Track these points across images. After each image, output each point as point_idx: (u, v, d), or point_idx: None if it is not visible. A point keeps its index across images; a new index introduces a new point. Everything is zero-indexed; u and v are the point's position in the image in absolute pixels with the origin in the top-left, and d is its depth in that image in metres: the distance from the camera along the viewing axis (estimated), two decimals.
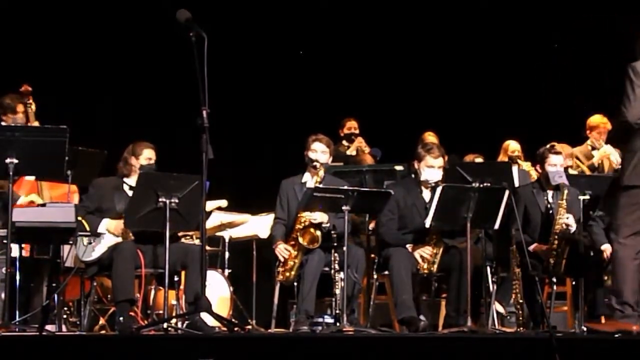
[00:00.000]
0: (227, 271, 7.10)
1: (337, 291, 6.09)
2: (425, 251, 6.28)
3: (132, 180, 6.10)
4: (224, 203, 6.85)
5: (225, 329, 5.59)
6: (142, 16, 8.59)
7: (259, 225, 7.17)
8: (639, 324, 5.42)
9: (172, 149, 7.29)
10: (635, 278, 5.45)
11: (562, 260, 6.38)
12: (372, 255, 6.58)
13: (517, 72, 9.43)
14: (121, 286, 5.79)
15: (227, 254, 7.20)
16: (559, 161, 6.61)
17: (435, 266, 6.27)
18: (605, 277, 6.45)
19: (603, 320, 5.93)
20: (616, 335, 5.26)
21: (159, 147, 6.30)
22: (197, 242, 6.54)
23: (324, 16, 9.37)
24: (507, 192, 6.08)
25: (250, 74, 9.06)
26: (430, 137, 7.96)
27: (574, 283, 6.69)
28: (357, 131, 8.55)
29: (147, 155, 6.17)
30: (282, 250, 6.34)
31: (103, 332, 6.32)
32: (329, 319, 6.07)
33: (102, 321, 6.42)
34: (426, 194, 6.50)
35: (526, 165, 7.57)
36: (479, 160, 7.67)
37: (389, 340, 5.22)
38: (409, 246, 6.34)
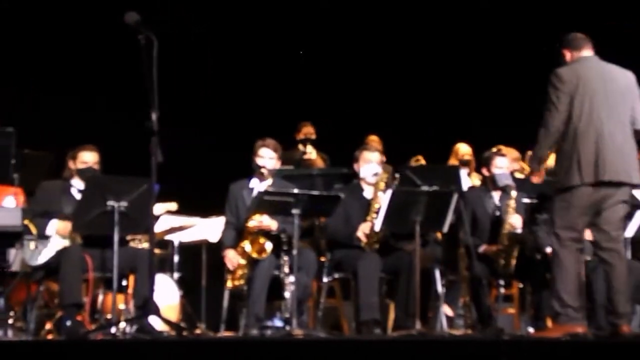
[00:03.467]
0: (176, 275, 7.07)
1: (287, 294, 6.11)
2: (366, 227, 6.34)
3: (80, 183, 6.05)
4: (173, 206, 6.81)
5: (174, 333, 5.56)
6: (91, 17, 8.51)
7: (208, 228, 7.14)
8: (583, 325, 5.51)
9: (122, 152, 7.23)
10: (576, 280, 5.53)
11: (511, 260, 6.45)
12: (322, 258, 6.60)
13: (469, 75, 9.51)
14: (68, 290, 5.73)
15: (176, 258, 7.16)
16: (505, 164, 6.71)
17: None
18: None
19: (549, 322, 6.00)
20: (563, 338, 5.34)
21: (109, 150, 6.25)
22: (145, 245, 6.50)
23: (277, 20, 9.37)
24: (455, 196, 6.15)
25: (200, 77, 9.02)
26: (373, 141, 8.03)
27: (521, 285, 6.78)
28: (313, 136, 8.56)
29: (83, 159, 6.11)
30: (231, 259, 6.35)
31: (50, 337, 6.25)
32: (278, 323, 6.08)
33: (49, 326, 6.34)
34: (368, 192, 6.59)
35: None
36: (420, 163, 7.70)
37: (338, 343, 5.24)
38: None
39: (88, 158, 6.11)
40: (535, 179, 5.85)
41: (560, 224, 5.54)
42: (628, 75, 5.70)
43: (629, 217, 6.34)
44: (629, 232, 6.40)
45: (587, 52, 5.71)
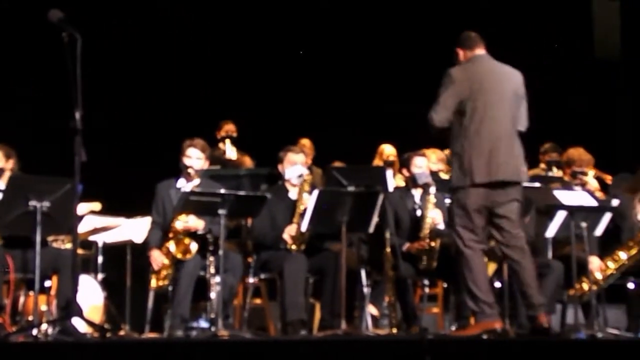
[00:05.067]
0: (100, 276, 6.98)
1: (213, 295, 6.08)
2: (292, 229, 6.37)
3: (1, 183, 5.94)
4: (97, 206, 6.73)
5: (97, 334, 5.49)
6: (13, 14, 8.36)
7: (133, 229, 7.07)
8: (499, 320, 5.59)
9: (45, 152, 7.11)
10: (485, 278, 5.61)
11: (434, 256, 6.53)
12: (249, 259, 6.59)
13: (393, 77, 9.59)
14: None
15: (100, 259, 7.07)
16: (424, 163, 6.81)
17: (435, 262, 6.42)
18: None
19: (472, 321, 6.08)
20: (484, 336, 5.42)
21: (31, 150, 6.14)
22: (69, 246, 6.41)
23: (203, 18, 9.33)
24: (381, 196, 6.19)
25: (125, 75, 8.93)
26: (304, 145, 8.04)
27: (445, 285, 6.86)
28: (234, 134, 8.53)
29: None
30: (156, 259, 6.30)
31: None
32: (204, 323, 6.05)
33: None
34: (292, 193, 6.61)
35: None
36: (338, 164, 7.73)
37: (263, 344, 5.24)
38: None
39: None
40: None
41: (460, 223, 5.62)
42: (517, 75, 5.81)
43: (550, 217, 6.47)
44: (550, 232, 6.53)
45: (480, 51, 5.78)
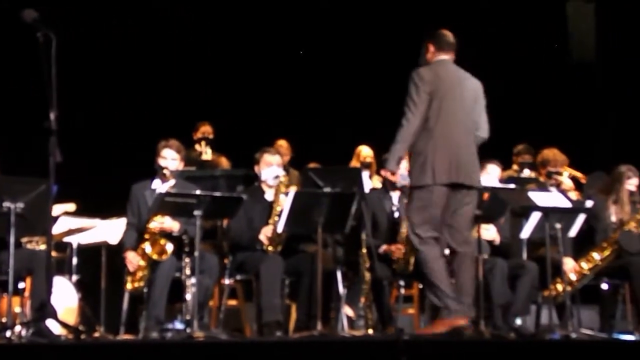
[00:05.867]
0: (74, 277, 6.94)
1: (188, 297, 6.06)
2: (268, 230, 6.35)
3: None
4: (71, 207, 6.69)
5: (72, 336, 5.46)
6: None
7: (108, 230, 7.04)
8: (465, 317, 5.61)
9: (19, 152, 7.06)
10: (446, 274, 5.63)
11: (410, 260, 6.55)
12: (225, 260, 6.58)
13: (370, 79, 9.60)
14: None
15: (75, 260, 7.03)
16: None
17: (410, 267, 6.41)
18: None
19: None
20: (458, 336, 5.44)
21: (5, 150, 6.10)
22: (43, 247, 6.37)
23: (180, 20, 9.30)
24: (357, 197, 6.20)
25: (100, 76, 8.89)
26: (281, 146, 8.04)
27: (420, 286, 6.88)
28: (211, 136, 8.52)
29: None
30: (132, 260, 6.28)
31: None
32: (179, 325, 6.03)
33: None
34: (269, 194, 6.61)
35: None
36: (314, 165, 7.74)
37: (239, 345, 5.23)
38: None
39: None
40: (393, 178, 5.92)
41: (419, 222, 5.64)
42: (477, 83, 5.88)
43: (526, 218, 6.51)
44: (525, 233, 6.56)
45: (448, 56, 5.82)
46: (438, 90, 5.65)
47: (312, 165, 7.62)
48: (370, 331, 6.49)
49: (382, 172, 5.89)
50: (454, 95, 5.69)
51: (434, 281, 5.60)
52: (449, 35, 5.87)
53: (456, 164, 5.61)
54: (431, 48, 5.84)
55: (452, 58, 5.85)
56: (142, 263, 6.27)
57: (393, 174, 5.85)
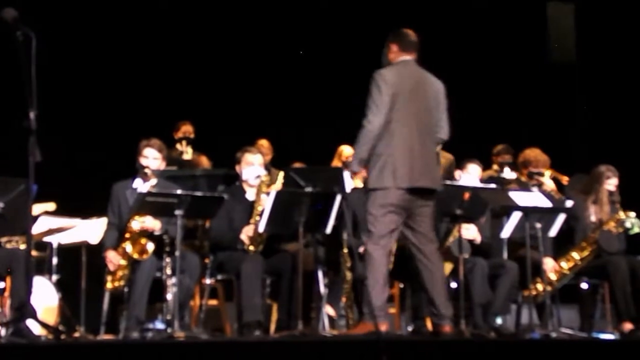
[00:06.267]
0: (54, 277, 6.91)
1: (169, 297, 6.05)
2: (249, 230, 6.36)
3: None
4: (51, 207, 6.67)
5: (51, 336, 5.44)
6: None
7: (88, 230, 7.01)
8: (387, 323, 5.63)
9: None
10: (384, 279, 5.62)
11: (390, 259, 6.57)
12: (206, 260, 6.57)
13: (353, 79, 9.59)
14: None
15: (55, 260, 7.00)
16: None
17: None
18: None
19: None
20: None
21: None
22: (22, 247, 6.34)
23: (159, 18, 9.27)
24: (338, 197, 6.21)
25: (80, 75, 8.85)
26: (262, 145, 8.03)
27: (401, 286, 6.90)
28: (192, 135, 8.50)
29: None
30: (112, 260, 6.26)
31: None
32: (160, 325, 6.02)
33: None
34: (250, 194, 6.61)
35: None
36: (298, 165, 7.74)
37: (220, 345, 5.22)
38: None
39: None
40: (358, 176, 5.90)
41: (374, 223, 5.63)
42: (439, 85, 5.87)
43: (507, 217, 6.54)
44: (505, 233, 6.59)
45: (411, 56, 5.82)
46: (400, 92, 5.63)
47: (296, 164, 7.62)
48: (351, 331, 6.50)
49: (355, 175, 5.87)
50: (415, 96, 5.68)
51: (371, 284, 5.57)
52: (411, 35, 5.86)
53: (417, 168, 5.60)
54: (394, 48, 5.83)
55: (414, 58, 5.84)
56: (123, 262, 6.25)
57: (356, 175, 5.84)
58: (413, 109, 5.66)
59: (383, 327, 5.51)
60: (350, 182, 7.25)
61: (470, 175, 6.87)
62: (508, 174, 7.82)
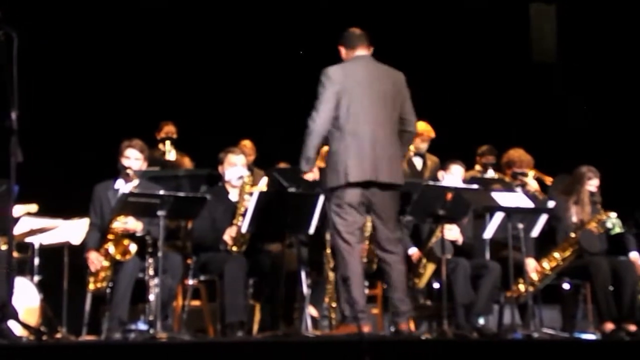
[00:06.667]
0: (36, 278, 6.88)
1: (152, 297, 6.04)
2: (232, 231, 6.35)
3: None
4: (33, 208, 6.63)
5: (33, 337, 5.41)
6: None
7: (70, 231, 6.98)
8: (369, 324, 5.64)
9: None
10: (360, 276, 5.63)
11: (373, 258, 6.58)
12: (188, 261, 6.56)
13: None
14: None
15: (36, 260, 6.97)
16: None
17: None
18: (417, 280, 6.68)
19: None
20: (422, 337, 5.47)
21: None
22: (4, 248, 6.31)
23: (140, 19, 9.25)
24: (321, 197, 6.21)
25: (63, 75, 8.82)
26: (244, 146, 8.03)
27: (384, 286, 6.90)
28: (174, 136, 8.48)
29: None
30: (94, 260, 6.24)
31: None
32: (142, 326, 6.00)
33: None
34: (233, 195, 6.60)
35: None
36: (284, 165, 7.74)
37: (202, 346, 5.21)
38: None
39: None
40: (310, 178, 5.87)
41: (338, 222, 5.64)
42: (398, 76, 5.82)
43: (489, 218, 6.56)
44: (487, 233, 6.61)
45: (362, 51, 5.78)
46: (347, 88, 5.60)
47: (281, 165, 7.61)
48: (334, 331, 6.50)
49: (304, 175, 5.84)
50: (364, 91, 5.63)
51: (348, 285, 5.57)
52: (354, 31, 5.82)
53: (371, 162, 5.56)
54: (342, 50, 5.84)
55: (369, 51, 5.77)
56: (105, 263, 6.23)
57: (304, 174, 5.81)
58: (363, 104, 5.60)
59: (366, 329, 5.51)
60: None
61: (453, 176, 6.89)
62: (491, 174, 7.85)
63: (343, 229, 5.60)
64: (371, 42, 5.81)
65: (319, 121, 5.59)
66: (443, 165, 7.08)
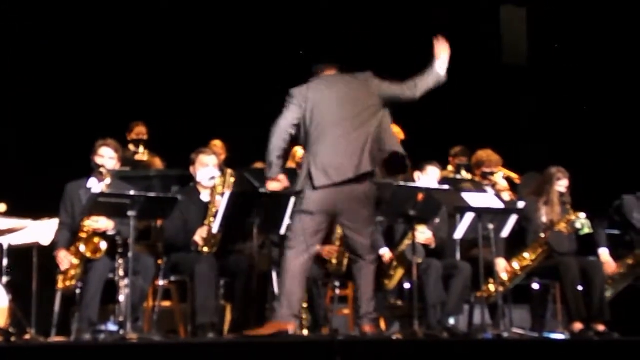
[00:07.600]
0: (5, 279, 6.82)
1: (122, 298, 6.00)
2: (203, 231, 6.33)
3: None
4: (2, 208, 6.58)
5: (1, 338, 5.38)
6: None
7: (40, 231, 6.93)
8: (294, 323, 5.65)
9: None
10: (300, 283, 5.64)
11: (343, 260, 6.59)
12: (159, 261, 6.53)
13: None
14: None
15: (5, 261, 6.91)
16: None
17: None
18: (387, 281, 6.69)
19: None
20: (394, 337, 5.47)
21: None
22: None
23: (112, 18, 9.21)
24: (293, 198, 6.20)
25: (33, 74, 8.76)
26: (215, 145, 8.01)
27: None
28: (145, 137, 8.45)
29: None
30: (63, 259, 6.19)
31: None
32: (112, 327, 5.97)
33: None
34: (204, 195, 6.59)
35: None
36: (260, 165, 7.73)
37: (173, 347, 5.19)
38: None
39: None
40: (270, 185, 5.88)
41: (296, 226, 5.67)
42: (360, 77, 5.89)
43: (461, 217, 6.59)
44: (458, 234, 6.63)
45: (328, 72, 5.94)
46: (309, 99, 5.73)
47: (257, 165, 7.60)
48: (305, 332, 6.49)
49: (267, 185, 5.87)
50: (326, 99, 5.74)
51: (283, 285, 5.60)
52: (318, 65, 5.97)
53: (333, 165, 5.62)
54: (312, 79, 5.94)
55: (333, 71, 5.95)
56: (75, 261, 6.18)
57: (268, 180, 5.84)
58: (325, 112, 5.71)
59: (290, 328, 5.53)
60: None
61: (429, 177, 6.91)
62: (464, 175, 7.88)
63: (297, 233, 5.63)
64: (337, 61, 5.91)
65: (281, 122, 5.73)
66: (419, 166, 7.09)
